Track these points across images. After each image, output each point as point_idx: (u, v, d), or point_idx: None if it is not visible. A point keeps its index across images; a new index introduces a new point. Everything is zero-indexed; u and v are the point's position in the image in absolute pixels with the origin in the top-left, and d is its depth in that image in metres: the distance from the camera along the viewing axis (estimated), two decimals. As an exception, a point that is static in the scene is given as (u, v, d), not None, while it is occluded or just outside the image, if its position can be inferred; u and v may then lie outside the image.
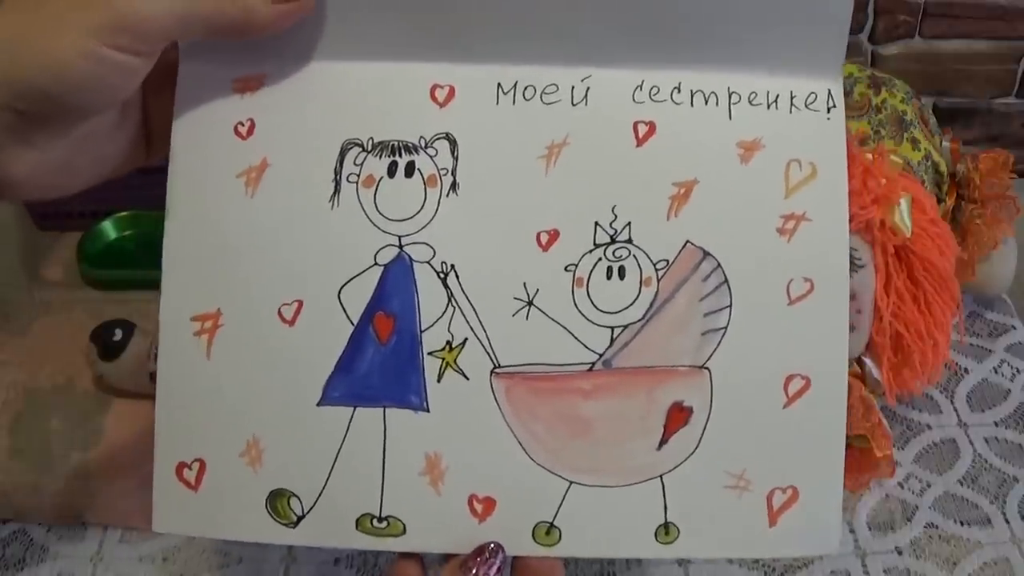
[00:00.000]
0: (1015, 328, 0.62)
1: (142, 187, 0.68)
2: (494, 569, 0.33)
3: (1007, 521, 0.50)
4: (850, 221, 0.50)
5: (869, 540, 0.49)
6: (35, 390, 0.55)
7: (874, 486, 0.52)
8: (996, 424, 0.56)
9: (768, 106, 0.35)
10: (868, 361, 0.52)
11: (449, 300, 0.35)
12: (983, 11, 0.74)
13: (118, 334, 0.53)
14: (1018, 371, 0.59)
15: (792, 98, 0.35)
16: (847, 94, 0.60)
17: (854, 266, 0.50)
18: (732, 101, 0.35)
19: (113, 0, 0.28)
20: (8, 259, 0.67)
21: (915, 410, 0.57)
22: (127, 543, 0.49)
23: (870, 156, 0.50)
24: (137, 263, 0.64)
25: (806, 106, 0.35)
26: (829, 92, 0.36)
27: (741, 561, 0.48)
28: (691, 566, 0.48)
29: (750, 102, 0.35)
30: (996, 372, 0.59)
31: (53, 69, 0.28)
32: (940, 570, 0.48)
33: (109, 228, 0.66)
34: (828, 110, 0.35)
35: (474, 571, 0.32)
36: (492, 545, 0.33)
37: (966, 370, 0.59)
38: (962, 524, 0.50)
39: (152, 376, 0.50)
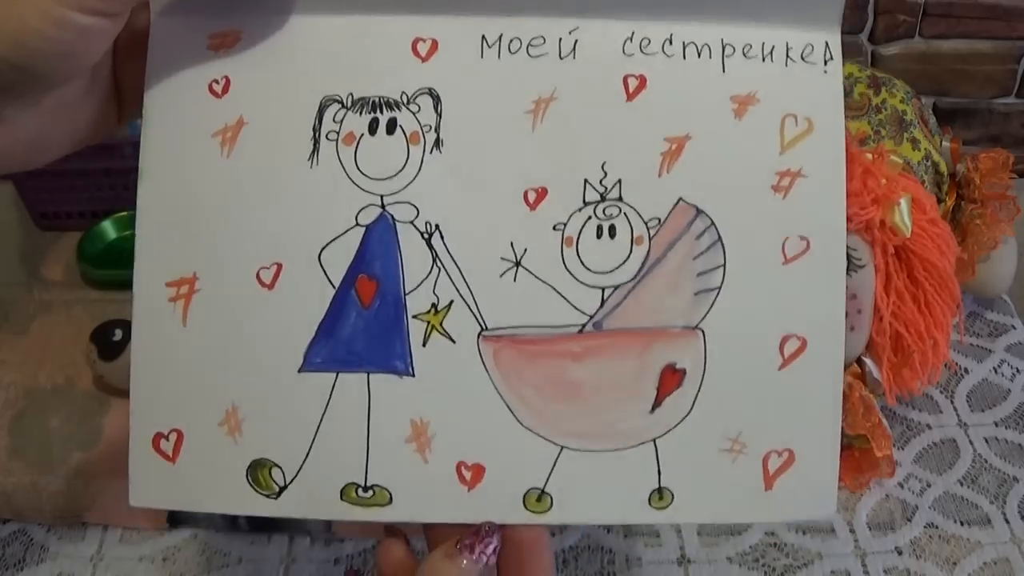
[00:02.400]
0: (1015, 328, 0.62)
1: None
2: (491, 548, 0.32)
3: (1007, 521, 0.50)
4: (850, 221, 0.50)
5: (869, 540, 0.49)
6: (35, 390, 0.55)
7: (874, 486, 0.52)
8: (996, 424, 0.56)
9: (763, 59, 0.34)
10: (868, 361, 0.52)
11: (434, 261, 0.34)
12: (983, 11, 0.74)
13: (118, 334, 0.53)
14: (1018, 371, 0.59)
15: (788, 50, 0.34)
16: (847, 94, 0.60)
17: (854, 266, 0.50)
18: (726, 53, 0.34)
19: None
20: (8, 259, 0.67)
21: (915, 410, 0.57)
22: (127, 543, 0.49)
23: (870, 156, 0.50)
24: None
25: (802, 58, 0.34)
26: (826, 44, 0.34)
27: (742, 561, 0.48)
28: (691, 566, 0.48)
29: (744, 54, 0.34)
30: (996, 372, 0.59)
31: (16, 37, 0.27)
32: (940, 570, 0.48)
33: (109, 228, 0.66)
34: (825, 63, 0.34)
35: (472, 552, 0.32)
36: (487, 525, 0.32)
37: (966, 370, 0.59)
38: (962, 524, 0.50)
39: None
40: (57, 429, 0.52)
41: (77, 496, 0.50)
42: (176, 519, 0.50)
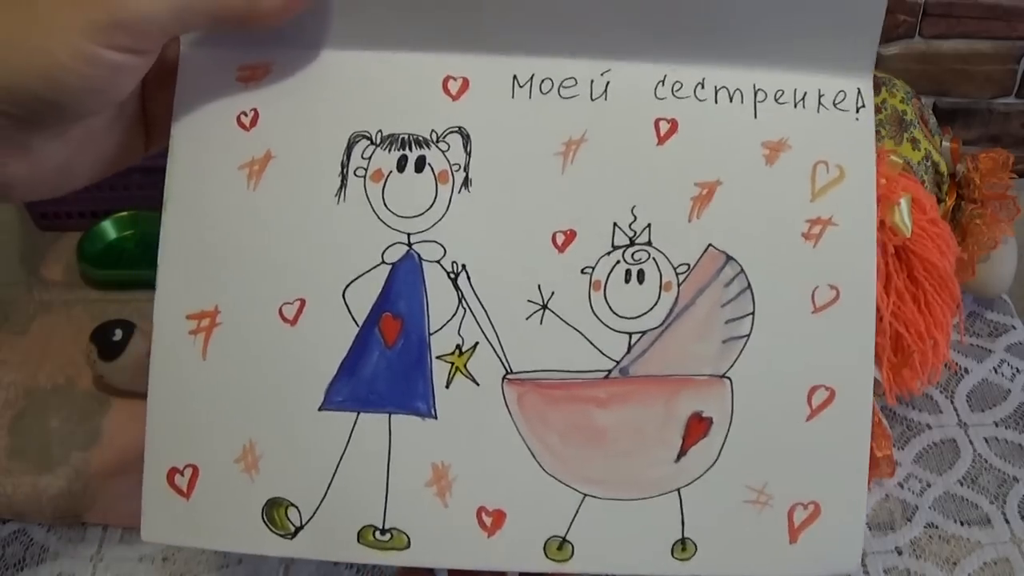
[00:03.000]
0: (1015, 328, 0.62)
1: (142, 187, 0.69)
2: None
3: (1007, 521, 0.50)
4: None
5: (869, 540, 0.49)
6: (35, 390, 0.55)
7: (874, 486, 0.52)
8: (996, 424, 0.56)
9: (795, 105, 0.34)
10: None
11: (460, 302, 0.33)
12: (983, 11, 0.74)
13: (118, 334, 0.53)
14: (1018, 371, 0.59)
15: (820, 97, 0.34)
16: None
17: (854, 266, 0.50)
18: (758, 99, 0.34)
19: None
20: (8, 259, 0.67)
21: (915, 410, 0.57)
22: (127, 543, 0.49)
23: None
24: (137, 263, 0.64)
25: (834, 105, 0.34)
26: (859, 91, 0.34)
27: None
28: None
29: (776, 100, 0.34)
30: (996, 372, 0.59)
31: (46, 73, 0.27)
32: (940, 570, 0.48)
33: (109, 228, 0.66)
34: (857, 110, 0.34)
35: None
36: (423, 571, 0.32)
37: (966, 370, 0.59)
38: (962, 524, 0.50)
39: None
40: (57, 429, 0.52)
41: (77, 496, 0.50)
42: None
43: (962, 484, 0.52)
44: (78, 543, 0.49)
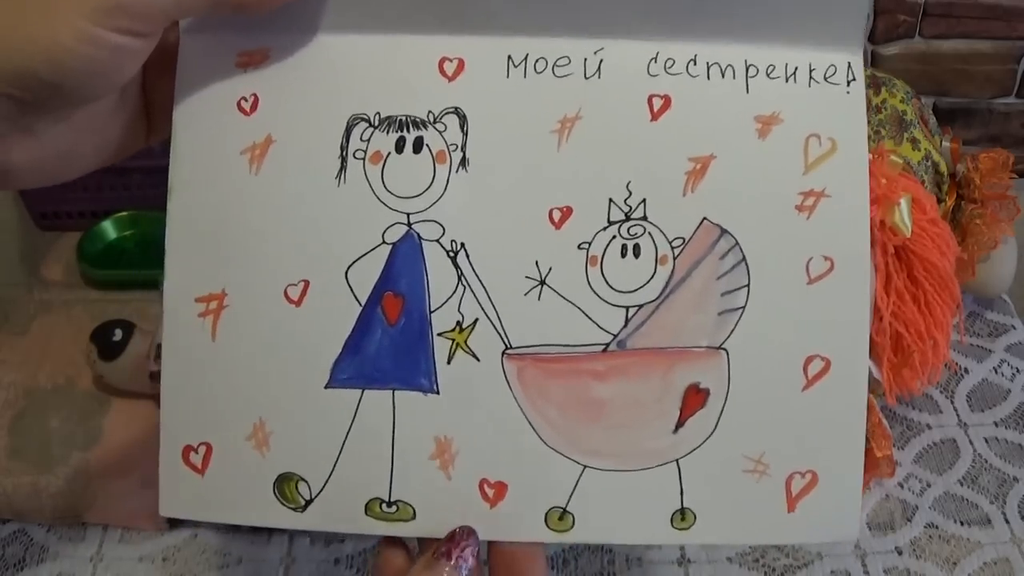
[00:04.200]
0: (1015, 328, 0.62)
1: (142, 187, 0.69)
2: (468, 551, 0.32)
3: (1007, 521, 0.50)
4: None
5: (869, 540, 0.49)
6: (35, 390, 0.55)
7: (874, 486, 0.52)
8: (996, 424, 0.56)
9: (786, 79, 0.34)
10: (868, 361, 0.52)
11: (459, 279, 0.34)
12: (983, 11, 0.74)
13: (118, 334, 0.53)
14: (1018, 371, 0.59)
15: (811, 71, 0.34)
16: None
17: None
18: (749, 74, 0.34)
19: None
20: (8, 259, 0.67)
21: (915, 410, 0.57)
22: (127, 543, 0.49)
23: (870, 156, 0.50)
24: (137, 263, 0.64)
25: (825, 79, 0.34)
26: (849, 65, 0.34)
27: (742, 561, 0.48)
28: (691, 566, 0.48)
29: (768, 75, 0.34)
30: (996, 372, 0.59)
31: (50, 55, 0.27)
32: (940, 570, 0.48)
33: (109, 228, 0.67)
34: (848, 83, 0.34)
35: (451, 558, 0.32)
36: (462, 529, 0.33)
37: (966, 370, 0.59)
38: (962, 524, 0.50)
39: (152, 376, 0.50)
40: (57, 429, 0.52)
41: (77, 496, 0.50)
42: (176, 519, 0.50)
43: (962, 484, 0.52)
44: (78, 543, 0.49)
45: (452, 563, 0.32)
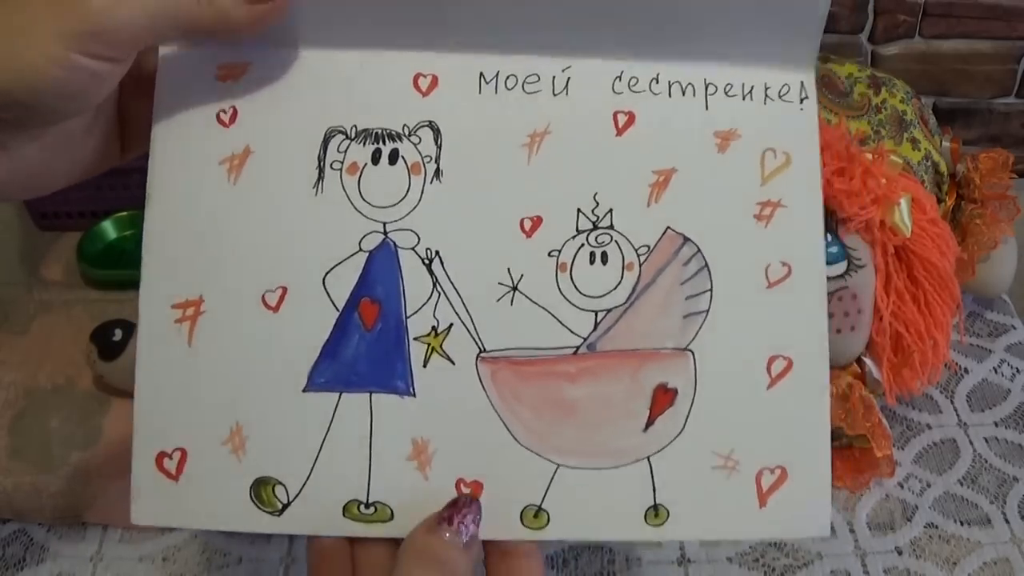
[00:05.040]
0: (1015, 328, 0.62)
1: (142, 187, 0.69)
2: (470, 519, 0.32)
3: (1007, 521, 0.50)
4: (850, 221, 0.50)
5: (869, 540, 0.49)
6: (35, 390, 0.55)
7: (874, 486, 0.52)
8: (996, 424, 0.56)
9: (743, 97, 0.36)
10: (868, 361, 0.52)
11: (434, 286, 0.35)
12: (983, 11, 0.74)
13: (118, 334, 0.53)
14: (1018, 371, 0.59)
15: (767, 89, 0.36)
16: (847, 94, 0.60)
17: (854, 266, 0.50)
18: (709, 92, 0.36)
19: (87, 5, 0.27)
20: (8, 259, 0.67)
21: (915, 410, 0.57)
22: (127, 543, 0.49)
23: (870, 156, 0.51)
24: (137, 263, 0.63)
25: (780, 97, 0.36)
26: (802, 84, 0.36)
27: (741, 561, 0.48)
28: (691, 566, 0.48)
29: (726, 93, 0.36)
30: (996, 372, 0.59)
31: (25, 77, 0.27)
32: (940, 570, 0.48)
33: (109, 228, 0.66)
34: (801, 101, 0.36)
35: (451, 523, 0.32)
36: (462, 496, 0.33)
37: (966, 370, 0.59)
38: (962, 524, 0.50)
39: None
40: (57, 429, 0.52)
41: (77, 496, 0.50)
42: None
43: (962, 484, 0.52)
44: (78, 543, 0.49)
45: (453, 527, 0.32)
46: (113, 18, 0.28)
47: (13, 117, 0.29)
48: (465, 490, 0.34)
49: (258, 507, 0.34)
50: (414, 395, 0.34)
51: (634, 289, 0.35)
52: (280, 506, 0.34)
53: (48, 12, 0.27)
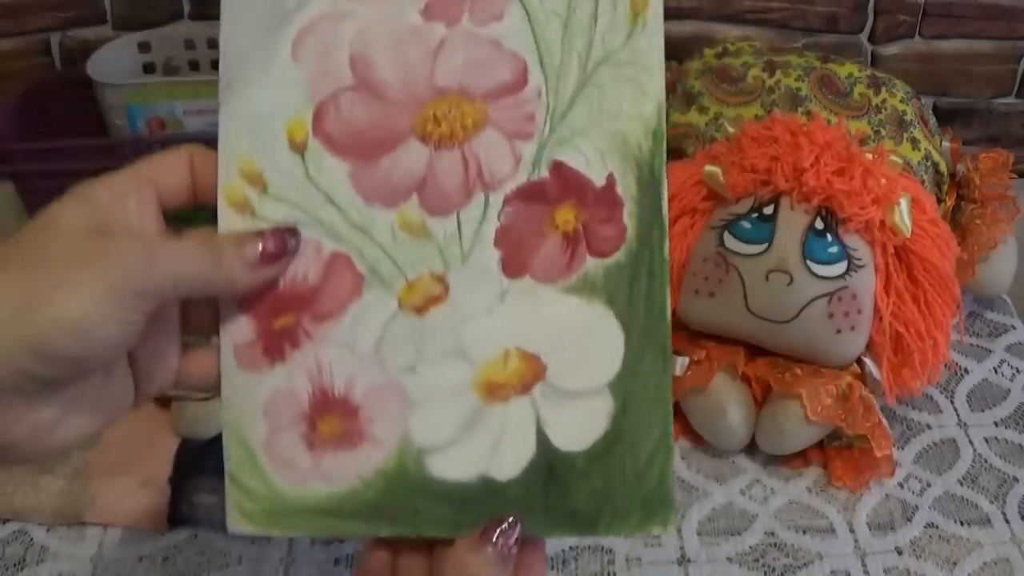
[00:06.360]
0: (1015, 328, 0.62)
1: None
2: (512, 539, 0.32)
3: (1007, 521, 0.50)
4: (850, 221, 0.50)
5: (869, 540, 0.49)
6: (35, 390, 0.55)
7: (874, 486, 0.52)
8: (996, 424, 0.56)
9: None
10: (868, 361, 0.52)
11: None
12: (983, 11, 0.74)
13: (118, 334, 0.53)
14: (1018, 371, 0.59)
15: None
16: (847, 94, 0.60)
17: (854, 266, 0.50)
18: None
19: (117, 261, 0.29)
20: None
21: (915, 410, 0.57)
22: (127, 543, 0.49)
23: (870, 156, 0.51)
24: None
25: None
26: None
27: (742, 561, 0.48)
28: (691, 566, 0.48)
29: None
30: (996, 372, 0.59)
31: (71, 329, 0.29)
32: (940, 570, 0.48)
33: (109, 228, 0.66)
34: None
35: (497, 544, 0.32)
36: (509, 516, 0.32)
37: (966, 370, 0.59)
38: (962, 524, 0.50)
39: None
40: (57, 429, 0.52)
41: (77, 496, 0.50)
42: (176, 519, 0.50)
43: (962, 484, 0.52)
44: (78, 543, 0.49)
45: (497, 548, 0.32)
46: (143, 273, 0.30)
47: (55, 373, 0.30)
48: None
49: None
50: None
51: None
52: None
53: (80, 263, 0.29)
